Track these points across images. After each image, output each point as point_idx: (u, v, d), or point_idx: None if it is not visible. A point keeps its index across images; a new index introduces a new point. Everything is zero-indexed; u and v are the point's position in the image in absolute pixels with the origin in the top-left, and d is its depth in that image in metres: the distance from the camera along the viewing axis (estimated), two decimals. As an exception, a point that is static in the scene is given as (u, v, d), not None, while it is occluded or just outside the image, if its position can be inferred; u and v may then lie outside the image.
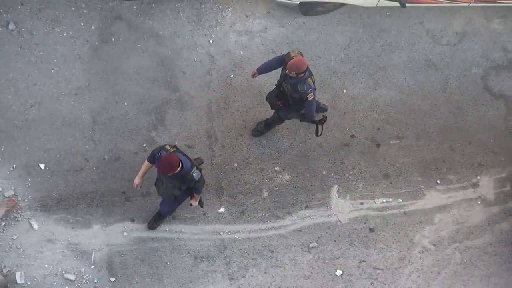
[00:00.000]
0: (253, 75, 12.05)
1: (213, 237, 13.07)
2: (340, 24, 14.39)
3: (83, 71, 13.43)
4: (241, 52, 13.99)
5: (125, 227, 12.89)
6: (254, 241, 13.19)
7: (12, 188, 12.74)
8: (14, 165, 12.78)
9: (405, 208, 13.90)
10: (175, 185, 10.87)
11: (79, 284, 12.49)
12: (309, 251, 13.33)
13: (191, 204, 11.67)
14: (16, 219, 12.63)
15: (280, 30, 14.10)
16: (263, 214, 13.43)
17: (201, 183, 11.02)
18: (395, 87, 14.37)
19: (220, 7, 13.88)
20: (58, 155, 12.83)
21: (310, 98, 11.48)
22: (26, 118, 13.09)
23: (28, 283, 12.37)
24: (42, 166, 12.95)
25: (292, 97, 11.62)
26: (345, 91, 14.33)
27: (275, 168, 13.67)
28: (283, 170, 13.68)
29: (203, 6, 13.83)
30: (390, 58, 14.48)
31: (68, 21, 13.51)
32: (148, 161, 11.00)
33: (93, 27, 13.67)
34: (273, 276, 13.06)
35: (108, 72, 13.50)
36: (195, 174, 10.71)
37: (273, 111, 12.49)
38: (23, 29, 13.44)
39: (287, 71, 11.15)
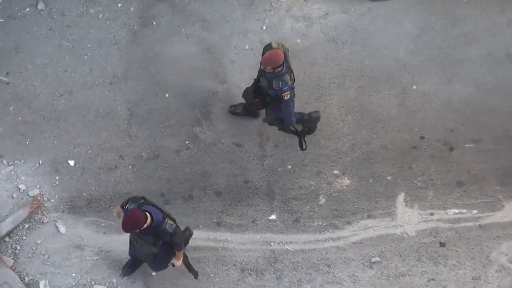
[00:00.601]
0: None
1: (263, 247, 12.55)
2: (410, 11, 13.70)
3: (120, 58, 13.32)
4: (298, 41, 13.62)
5: None
6: (308, 254, 12.54)
7: (38, 186, 12.53)
8: (40, 161, 12.60)
9: (480, 220, 12.92)
10: (149, 241, 10.45)
11: None
12: (371, 267, 12.55)
13: (173, 265, 11.23)
14: (41, 221, 12.41)
15: (342, 17, 13.70)
16: (320, 223, 12.77)
17: (178, 236, 10.55)
18: (472, 83, 13.65)
19: None
20: (89, 151, 12.59)
21: (286, 98, 11.12)
22: (54, 108, 13.00)
23: None
24: (72, 162, 12.72)
25: (268, 94, 11.42)
26: (414, 87, 13.56)
27: (334, 171, 13.04)
28: (343, 174, 12.99)
29: None
30: (466, 50, 13.70)
31: (104, 1, 13.53)
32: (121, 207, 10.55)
33: (132, 9, 13.66)
34: None
35: (148, 60, 13.36)
36: (168, 226, 10.28)
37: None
38: (53, 10, 13.48)
39: (261, 65, 10.80)
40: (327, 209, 12.90)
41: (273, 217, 12.81)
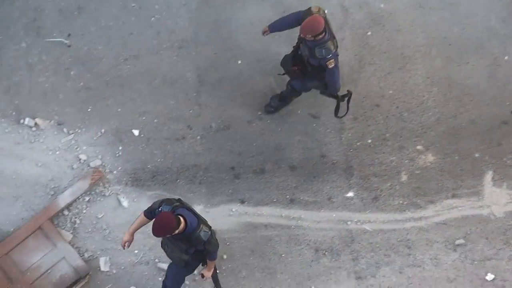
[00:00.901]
0: (264, 33, 11.37)
1: (339, 226, 12.46)
2: None
3: (189, 21, 13.23)
4: (382, 5, 13.43)
5: (233, 209, 12.50)
6: (388, 234, 12.44)
7: (99, 157, 12.44)
8: (103, 130, 12.50)
9: None
10: (181, 248, 10.21)
11: None
12: (454, 249, 12.40)
13: (202, 276, 10.94)
14: (103, 194, 12.33)
15: None
16: (401, 201, 12.62)
17: (212, 245, 10.22)
18: None
19: None
20: (155, 120, 12.47)
21: (330, 66, 10.82)
22: (119, 74, 12.86)
23: (114, 271, 12.13)
24: (136, 132, 12.60)
25: (310, 64, 11.13)
26: (506, 58, 13.34)
27: (418, 147, 12.86)
28: (427, 150, 12.82)
29: None
30: None
31: None
32: (144, 215, 10.35)
33: None
34: (409, 277, 12.27)
35: (220, 23, 13.27)
36: (203, 233, 9.94)
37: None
38: None
39: (301, 33, 10.52)
40: (409, 187, 12.71)
41: (350, 194, 12.68)
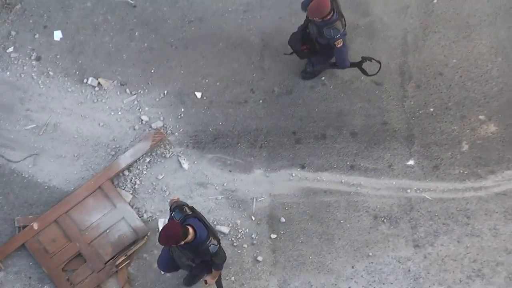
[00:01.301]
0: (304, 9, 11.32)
1: (398, 194, 12.43)
2: None
3: None
4: None
5: (293, 174, 12.50)
6: (447, 203, 12.39)
7: (161, 118, 12.58)
8: (165, 91, 12.61)
9: None
10: (188, 256, 10.20)
11: (233, 239, 12.21)
12: None
13: (205, 282, 10.91)
14: (164, 155, 12.47)
15: None
16: (461, 171, 12.59)
17: (219, 257, 10.23)
18: None
19: None
20: (218, 83, 12.54)
21: (338, 46, 11.00)
22: (183, 35, 12.96)
23: None
24: (199, 94, 12.71)
25: (318, 42, 11.28)
26: None
27: (480, 117, 12.81)
28: (489, 120, 12.78)
29: None
30: None
31: None
32: None
33: None
34: (467, 246, 12.18)
35: None
36: (212, 246, 9.91)
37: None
38: None
39: (308, 16, 10.70)
40: (470, 157, 12.71)
41: (411, 162, 12.65)
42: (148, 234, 12.09)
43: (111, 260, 12.20)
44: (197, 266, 10.50)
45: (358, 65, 11.87)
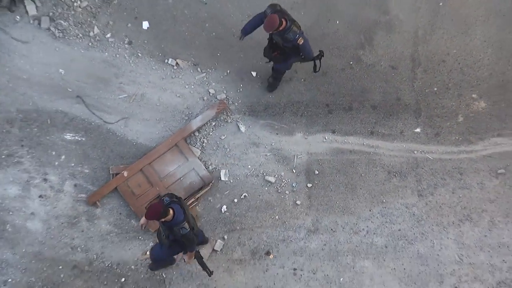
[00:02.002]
0: (240, 38, 11.50)
1: (407, 154, 13.00)
2: None
3: None
4: None
5: (326, 137, 13.05)
6: (445, 162, 13.02)
7: (225, 91, 13.00)
8: (228, 71, 13.01)
9: None
10: (165, 233, 10.42)
11: (277, 187, 12.68)
12: (496, 177, 12.98)
13: (184, 260, 11.16)
14: (226, 120, 12.91)
15: None
16: (457, 137, 13.18)
17: (188, 240, 10.36)
18: None
19: None
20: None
21: (301, 43, 11.00)
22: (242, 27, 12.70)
23: (231, 181, 12.69)
24: (254, 73, 13.07)
25: (285, 47, 11.22)
26: None
27: (473, 95, 13.34)
28: (480, 98, 13.32)
29: None
30: None
31: None
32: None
33: None
34: (459, 196, 12.86)
35: None
36: (183, 229, 10.11)
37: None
38: None
39: (266, 31, 10.74)
40: (464, 126, 13.21)
41: (418, 130, 13.18)
42: (212, 181, 12.61)
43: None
44: (173, 244, 10.64)
45: (317, 57, 11.77)
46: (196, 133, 12.85)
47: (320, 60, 11.78)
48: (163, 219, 9.95)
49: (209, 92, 13.12)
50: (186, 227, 10.14)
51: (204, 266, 11.20)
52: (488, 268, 12.64)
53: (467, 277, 12.58)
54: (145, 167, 12.50)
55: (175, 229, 10.17)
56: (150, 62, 13.17)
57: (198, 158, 12.74)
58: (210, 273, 11.25)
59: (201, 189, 12.64)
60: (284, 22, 10.71)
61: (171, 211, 10.07)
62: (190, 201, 12.50)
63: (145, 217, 9.81)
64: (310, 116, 13.19)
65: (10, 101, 12.72)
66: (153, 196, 12.46)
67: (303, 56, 11.56)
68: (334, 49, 13.28)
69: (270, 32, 10.79)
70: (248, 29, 11.30)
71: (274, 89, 12.91)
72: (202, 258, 11.13)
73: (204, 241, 12.02)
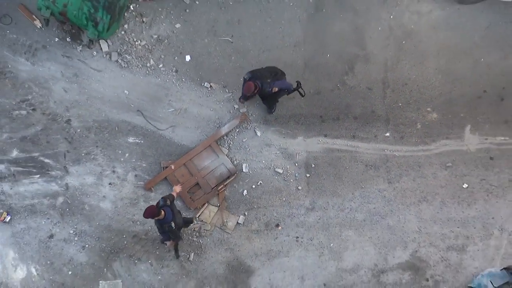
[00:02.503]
0: (241, 103, 12.61)
1: (380, 152, 14.00)
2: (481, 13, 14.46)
3: (301, 30, 14.31)
4: (412, 26, 14.52)
5: (320, 140, 14.11)
6: (407, 158, 13.97)
7: (245, 106, 14.18)
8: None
9: (518, 143, 13.29)
10: (157, 226, 11.27)
11: (284, 176, 13.84)
12: (445, 169, 14.00)
13: (166, 244, 12.05)
14: (246, 127, 14.04)
15: (441, 13, 14.55)
16: (416, 140, 14.17)
17: (173, 233, 11.14)
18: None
19: None
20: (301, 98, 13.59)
21: (275, 91, 11.95)
22: (259, 60, 14.04)
23: (250, 172, 13.91)
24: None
25: (269, 94, 12.15)
26: (482, 59, 14.52)
27: (428, 109, 14.33)
28: (433, 110, 14.28)
29: None
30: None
31: None
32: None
33: (310, 0, 14.53)
34: (418, 184, 13.92)
35: (318, 32, 14.34)
36: (170, 227, 11.01)
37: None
38: None
39: (247, 95, 11.62)
40: (421, 132, 14.19)
41: (387, 134, 14.23)
42: (237, 172, 13.56)
43: (215, 187, 13.66)
44: (165, 234, 11.35)
45: (296, 88, 12.36)
46: (225, 137, 13.77)
47: (301, 88, 12.32)
48: (156, 218, 10.77)
49: (234, 107, 14.01)
50: (173, 225, 10.94)
51: (175, 251, 12.23)
52: (440, 237, 13.56)
53: (424, 243, 13.52)
54: (187, 162, 13.42)
55: (165, 226, 10.97)
56: (191, 85, 14.07)
57: (226, 155, 13.61)
58: (177, 257, 12.36)
59: (228, 178, 13.55)
60: (257, 86, 11.52)
61: (163, 212, 10.86)
62: (220, 187, 13.36)
63: (143, 215, 10.60)
64: (308, 124, 14.10)
65: (88, 114, 14.06)
66: (193, 183, 13.39)
67: (286, 91, 12.25)
68: (325, 75, 14.09)
69: (248, 94, 11.64)
70: (243, 97, 12.35)
71: (272, 111, 13.61)
72: (177, 245, 12.13)
73: (189, 221, 12.80)
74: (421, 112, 14.20)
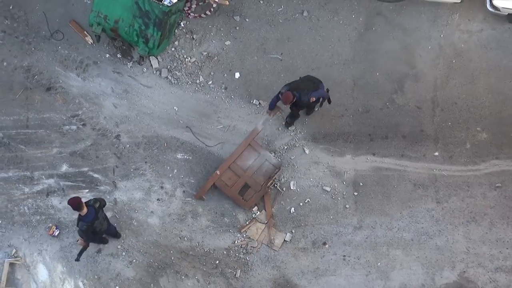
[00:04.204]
0: (269, 115, 13.14)
1: (428, 172, 13.97)
2: None
3: (350, 49, 14.49)
4: (462, 45, 14.54)
5: (368, 158, 14.21)
6: (456, 178, 13.91)
7: (294, 125, 14.29)
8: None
9: None
10: (78, 221, 11.37)
11: (332, 194, 13.99)
12: (495, 189, 13.88)
13: (78, 240, 12.12)
14: (294, 145, 14.26)
15: (491, 32, 14.54)
16: (465, 160, 14.05)
17: (81, 231, 11.36)
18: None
19: (450, 12, 14.55)
20: (327, 104, 13.80)
21: (312, 100, 12.49)
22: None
23: (298, 189, 14.04)
24: (316, 108, 14.14)
25: (305, 104, 12.60)
26: None
27: (477, 128, 14.24)
28: (483, 130, 14.19)
29: (439, 10, 14.59)
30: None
31: (344, 13, 14.70)
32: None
33: (360, 19, 14.71)
34: (467, 204, 13.83)
35: (368, 51, 14.55)
36: (81, 224, 11.19)
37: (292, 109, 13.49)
38: (312, 16, 14.74)
39: (285, 105, 12.29)
40: (471, 151, 14.13)
41: (436, 153, 14.17)
42: (281, 167, 13.87)
43: (264, 184, 13.96)
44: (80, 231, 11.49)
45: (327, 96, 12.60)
46: (272, 154, 14.00)
47: (328, 96, 12.74)
48: (78, 212, 11.00)
49: (282, 124, 14.41)
50: (83, 228, 11.12)
51: (81, 252, 12.04)
52: (489, 258, 13.48)
53: (472, 264, 13.48)
54: (231, 165, 13.75)
55: (79, 223, 11.22)
56: (240, 102, 14.38)
57: (268, 151, 13.85)
58: (78, 259, 12.19)
59: (274, 173, 13.86)
60: (295, 96, 12.12)
61: (85, 209, 11.06)
62: (269, 183, 13.82)
63: (67, 202, 10.91)
64: (356, 142, 14.22)
65: (137, 130, 14.51)
66: (242, 184, 13.82)
67: (326, 100, 12.78)
68: (374, 93, 14.25)
69: (287, 104, 12.29)
70: (271, 106, 12.95)
71: (291, 124, 14.05)
72: (87, 248, 11.97)
73: (117, 235, 13.20)
74: (470, 132, 14.12)
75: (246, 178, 13.77)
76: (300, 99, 12.07)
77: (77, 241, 12.25)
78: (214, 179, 13.74)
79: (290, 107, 12.94)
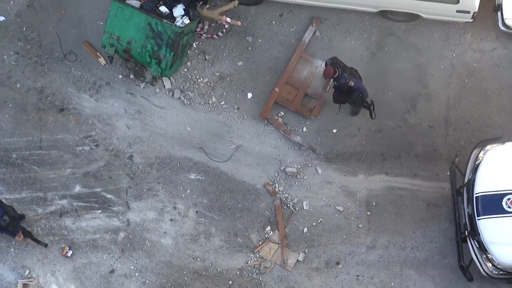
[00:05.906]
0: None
1: (441, 191, 14.01)
2: None
3: (363, 68, 14.36)
4: (475, 65, 14.62)
5: (381, 178, 14.29)
6: None
7: (305, 142, 14.40)
8: (305, 128, 14.70)
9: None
10: None
11: (345, 214, 14.06)
12: None
13: (17, 240, 12.79)
14: (307, 165, 14.38)
15: (504, 51, 14.69)
16: None
17: (11, 226, 11.98)
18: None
19: (463, 31, 14.70)
20: (340, 125, 14.40)
21: (352, 84, 12.45)
22: None
23: (311, 209, 14.15)
24: (334, 130, 14.52)
25: (345, 89, 12.60)
26: None
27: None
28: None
29: (451, 30, 14.76)
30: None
31: (356, 33, 14.89)
32: None
33: (373, 39, 14.87)
34: None
35: (380, 70, 14.67)
36: (4, 221, 11.78)
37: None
38: (325, 36, 15.02)
39: (324, 78, 12.71)
40: None
41: (449, 173, 13.78)
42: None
43: (323, 88, 14.62)
44: (5, 232, 12.22)
45: (370, 105, 13.08)
46: (279, 172, 14.27)
47: (373, 109, 13.07)
48: None
49: (298, 143, 14.58)
50: (6, 219, 11.64)
51: (36, 240, 12.70)
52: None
53: (486, 284, 13.57)
54: (287, 79, 14.37)
55: (0, 221, 11.66)
56: (252, 122, 14.56)
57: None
58: (45, 245, 12.99)
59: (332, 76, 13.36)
60: (336, 71, 12.22)
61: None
62: (328, 87, 14.53)
63: None
64: (369, 162, 14.36)
65: (150, 150, 14.71)
66: (303, 95, 14.49)
67: (360, 95, 12.74)
68: (387, 113, 14.36)
69: (327, 78, 12.66)
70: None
71: (356, 114, 14.23)
72: (31, 233, 12.53)
73: (22, 216, 13.28)
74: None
75: (306, 88, 14.26)
76: (341, 76, 12.35)
77: (18, 241, 12.80)
78: (274, 97, 14.22)
79: (334, 86, 13.20)
